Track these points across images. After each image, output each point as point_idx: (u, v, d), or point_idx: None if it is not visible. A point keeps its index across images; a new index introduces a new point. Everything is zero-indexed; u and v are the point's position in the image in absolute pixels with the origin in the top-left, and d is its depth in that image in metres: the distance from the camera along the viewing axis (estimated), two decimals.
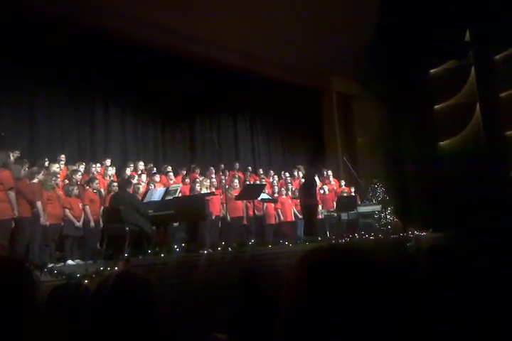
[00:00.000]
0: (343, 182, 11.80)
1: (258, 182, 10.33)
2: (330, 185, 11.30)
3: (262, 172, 11.19)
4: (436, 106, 13.56)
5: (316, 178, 10.58)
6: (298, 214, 10.12)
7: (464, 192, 11.15)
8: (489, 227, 9.03)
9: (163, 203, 7.38)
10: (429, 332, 1.70)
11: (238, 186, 9.45)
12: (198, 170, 9.81)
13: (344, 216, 10.40)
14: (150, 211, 7.14)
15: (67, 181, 7.43)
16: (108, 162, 8.70)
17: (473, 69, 13.04)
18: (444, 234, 9.86)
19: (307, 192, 9.29)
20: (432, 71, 13.69)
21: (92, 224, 7.18)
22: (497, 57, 12.84)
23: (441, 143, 13.43)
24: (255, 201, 8.96)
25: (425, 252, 2.26)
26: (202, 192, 8.45)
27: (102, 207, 7.46)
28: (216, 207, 8.82)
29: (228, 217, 8.89)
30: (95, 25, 9.15)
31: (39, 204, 6.37)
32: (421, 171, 12.53)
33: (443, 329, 1.79)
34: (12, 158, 6.68)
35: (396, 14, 11.42)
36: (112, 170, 8.49)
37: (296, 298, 0.79)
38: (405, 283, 0.93)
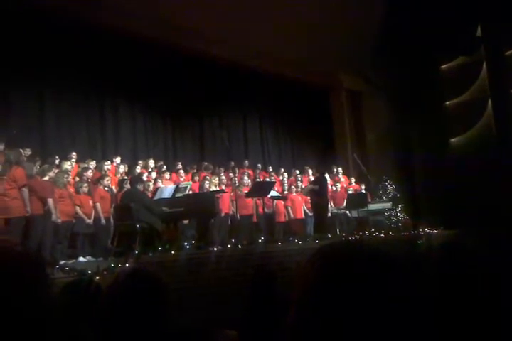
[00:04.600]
0: (353, 180, 11.77)
1: (268, 179, 10.33)
2: (340, 183, 11.27)
3: (271, 170, 11.19)
4: (447, 103, 13.46)
5: (327, 176, 10.55)
6: (308, 212, 10.11)
7: (475, 189, 11.06)
8: (500, 224, 8.95)
9: (173, 200, 7.40)
10: (438, 330, 1.69)
11: (248, 183, 9.45)
12: (210, 167, 9.81)
13: (354, 213, 10.37)
14: (164, 208, 7.18)
15: (78, 179, 7.49)
16: (118, 160, 8.75)
17: (484, 65, 12.91)
18: (455, 232, 9.79)
19: (317, 189, 9.28)
20: (443, 67, 13.59)
21: (103, 221, 7.22)
22: (508, 52, 12.70)
23: (453, 139, 13.34)
24: (265, 198, 8.96)
25: (437, 249, 2.24)
26: (211, 189, 8.47)
27: (113, 205, 7.51)
28: (226, 205, 8.84)
29: (238, 215, 8.90)
30: (105, 24, 9.17)
31: (50, 201, 6.42)
32: (432, 168, 12.45)
33: (451, 326, 1.77)
34: (24, 155, 6.74)
35: (406, 10, 11.33)
36: (123, 168, 8.54)
37: (309, 294, 0.78)
38: (416, 280, 0.93)
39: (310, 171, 11.44)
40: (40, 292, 0.89)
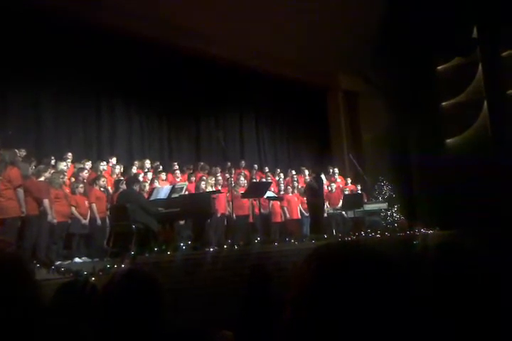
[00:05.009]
0: (349, 180, 11.78)
1: (264, 180, 10.33)
2: (336, 183, 11.29)
3: (268, 170, 11.19)
4: (443, 104, 13.49)
5: (323, 176, 10.56)
6: (304, 212, 10.11)
7: (471, 190, 11.09)
8: (496, 225, 8.98)
9: (169, 201, 7.39)
10: (434, 330, 1.69)
11: (244, 184, 9.45)
12: (207, 167, 9.80)
13: (350, 214, 10.38)
14: (160, 209, 7.17)
15: (73, 179, 7.47)
16: (114, 160, 8.73)
17: (480, 66, 12.95)
18: (451, 232, 9.82)
19: (313, 190, 9.28)
20: (439, 68, 13.61)
21: (99, 222, 7.21)
22: (504, 54, 12.75)
23: (448, 140, 13.36)
24: (261, 199, 8.95)
25: (433, 250, 2.24)
26: (207, 190, 8.46)
27: (109, 205, 7.49)
28: (222, 205, 8.83)
29: (234, 215, 8.89)
30: (105, 24, 9.16)
31: (46, 202, 6.40)
32: (428, 169, 12.47)
33: (446, 328, 1.77)
34: (19, 156, 6.72)
35: (403, 11, 11.35)
36: (118, 168, 8.52)
37: (305, 294, 0.78)
38: (412, 280, 0.93)
39: (306, 172, 11.45)
40: (26, 293, 0.88)
